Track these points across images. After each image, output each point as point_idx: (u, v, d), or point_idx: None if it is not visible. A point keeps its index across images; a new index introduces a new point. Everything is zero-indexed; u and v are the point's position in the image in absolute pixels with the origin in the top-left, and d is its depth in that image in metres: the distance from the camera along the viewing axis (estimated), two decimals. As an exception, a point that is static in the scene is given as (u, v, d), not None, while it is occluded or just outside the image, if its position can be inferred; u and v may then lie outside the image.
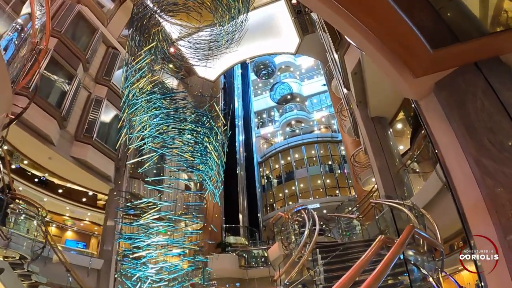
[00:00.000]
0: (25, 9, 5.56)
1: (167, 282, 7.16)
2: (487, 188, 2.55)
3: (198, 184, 17.48)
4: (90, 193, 15.85)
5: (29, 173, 14.08)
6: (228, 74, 29.98)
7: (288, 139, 31.41)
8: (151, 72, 8.55)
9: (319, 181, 27.52)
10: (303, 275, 6.61)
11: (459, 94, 2.73)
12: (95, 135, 13.00)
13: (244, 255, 17.48)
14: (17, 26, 5.33)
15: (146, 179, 9.23)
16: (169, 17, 10.23)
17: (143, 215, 7.75)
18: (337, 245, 8.19)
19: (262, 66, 35.37)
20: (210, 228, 13.99)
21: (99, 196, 16.14)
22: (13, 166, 13.03)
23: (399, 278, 4.77)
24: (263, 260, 17.53)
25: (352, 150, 17.68)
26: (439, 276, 4.62)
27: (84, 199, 16.39)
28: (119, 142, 9.30)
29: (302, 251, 6.95)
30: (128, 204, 8.71)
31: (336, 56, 11.59)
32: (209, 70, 18.14)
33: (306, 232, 7.42)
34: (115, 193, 13.32)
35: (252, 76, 38.42)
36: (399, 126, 12.11)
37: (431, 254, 4.73)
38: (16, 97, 8.93)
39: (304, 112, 36.15)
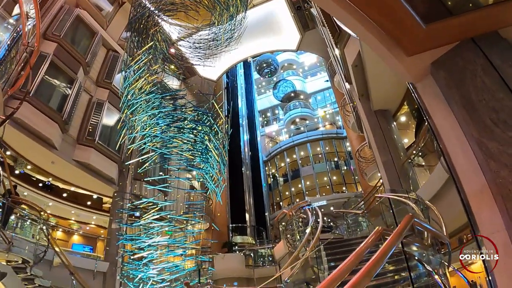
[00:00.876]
0: (16, 10, 5.52)
1: (169, 283, 7.08)
2: (491, 172, 2.37)
3: (200, 183, 17.46)
4: (95, 196, 15.91)
5: (34, 178, 14.16)
6: (231, 74, 29.89)
7: (293, 137, 31.10)
8: (150, 72, 8.49)
9: (325, 178, 27.24)
10: (307, 272, 6.44)
11: (457, 73, 2.54)
12: (97, 138, 13.01)
13: (250, 254, 17.34)
14: (9, 26, 5.29)
15: (146, 179, 9.17)
16: (168, 17, 10.16)
17: (144, 216, 7.68)
18: (342, 241, 8.01)
19: (264, 65, 35.30)
20: (212, 228, 13.90)
21: (105, 199, 16.20)
22: (17, 172, 13.14)
23: (403, 274, 4.57)
24: (270, 259, 17.36)
25: (357, 145, 17.42)
26: (445, 271, 4.39)
27: (89, 203, 16.48)
28: (119, 142, 9.27)
29: (306, 248, 6.79)
30: (128, 204, 8.66)
31: (336, 50, 11.39)
32: (211, 70, 18.09)
33: (308, 230, 7.25)
34: (115, 194, 13.31)
35: (255, 75, 38.31)
36: (403, 119, 11.83)
37: (436, 247, 4.51)
38: (14, 101, 8.97)
39: (308, 109, 35.86)
